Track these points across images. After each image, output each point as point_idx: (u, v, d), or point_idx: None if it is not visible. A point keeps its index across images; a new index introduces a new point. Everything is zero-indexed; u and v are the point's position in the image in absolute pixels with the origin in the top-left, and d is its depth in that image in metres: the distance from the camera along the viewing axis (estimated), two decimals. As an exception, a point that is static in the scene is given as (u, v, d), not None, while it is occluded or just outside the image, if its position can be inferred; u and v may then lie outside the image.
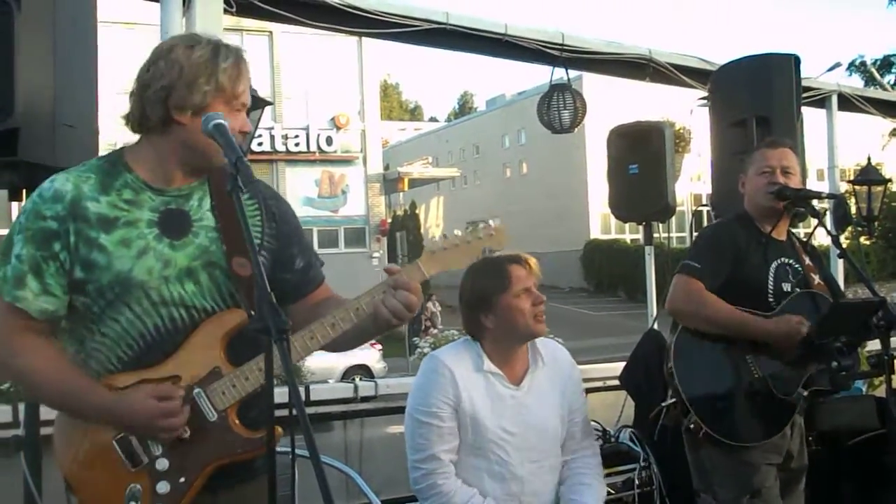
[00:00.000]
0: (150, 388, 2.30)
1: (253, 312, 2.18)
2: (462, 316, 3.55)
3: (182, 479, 2.32)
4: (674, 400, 3.80)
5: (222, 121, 2.25)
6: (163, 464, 2.32)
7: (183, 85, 2.32)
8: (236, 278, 2.40)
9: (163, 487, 2.31)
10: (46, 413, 3.60)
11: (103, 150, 3.63)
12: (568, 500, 3.47)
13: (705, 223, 4.81)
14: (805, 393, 3.75)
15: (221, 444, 2.34)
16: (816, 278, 3.92)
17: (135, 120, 2.42)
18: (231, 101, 2.38)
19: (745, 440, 3.70)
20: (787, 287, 3.82)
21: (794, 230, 4.19)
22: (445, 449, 3.34)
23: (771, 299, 3.79)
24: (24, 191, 3.58)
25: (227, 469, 2.38)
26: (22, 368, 2.35)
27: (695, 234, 4.37)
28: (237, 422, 2.36)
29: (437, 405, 3.33)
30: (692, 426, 3.72)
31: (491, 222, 2.62)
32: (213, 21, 4.51)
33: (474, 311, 3.47)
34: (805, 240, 4.09)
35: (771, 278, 3.81)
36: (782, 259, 3.87)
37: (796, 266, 3.89)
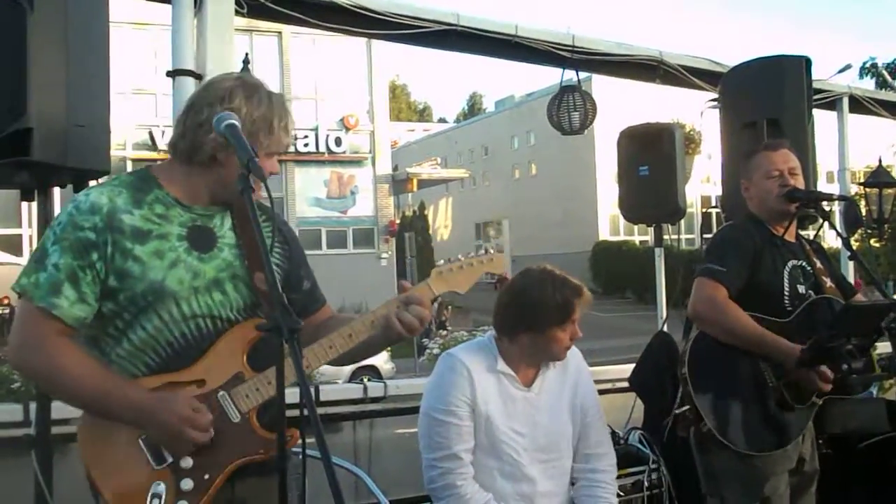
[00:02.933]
0: (186, 394, 2.39)
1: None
2: (500, 308, 3.52)
3: (206, 476, 2.40)
4: (687, 407, 3.78)
5: (235, 121, 2.34)
6: (187, 462, 2.39)
7: (244, 134, 2.36)
8: (258, 292, 2.53)
9: (186, 484, 2.38)
10: (57, 412, 3.62)
11: (112, 149, 3.65)
12: None
13: (715, 225, 4.81)
14: (820, 402, 3.73)
15: (243, 443, 2.44)
16: (828, 280, 3.91)
17: (183, 153, 2.51)
18: (273, 153, 2.53)
19: (758, 449, 3.68)
20: (802, 289, 3.81)
21: (803, 232, 4.18)
22: (465, 448, 3.34)
23: (787, 301, 3.77)
24: (35, 191, 3.59)
25: (247, 466, 2.47)
26: (57, 369, 2.39)
27: (704, 236, 4.36)
28: (258, 424, 2.47)
29: (456, 403, 3.34)
30: (704, 432, 3.71)
31: (491, 249, 2.81)
32: (225, 22, 4.52)
33: (517, 320, 3.45)
34: (812, 240, 4.08)
35: (787, 281, 3.79)
36: (795, 261, 3.86)
37: (808, 268, 3.89)
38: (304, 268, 2.81)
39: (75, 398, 2.43)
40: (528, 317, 3.42)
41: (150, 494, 2.33)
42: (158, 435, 2.38)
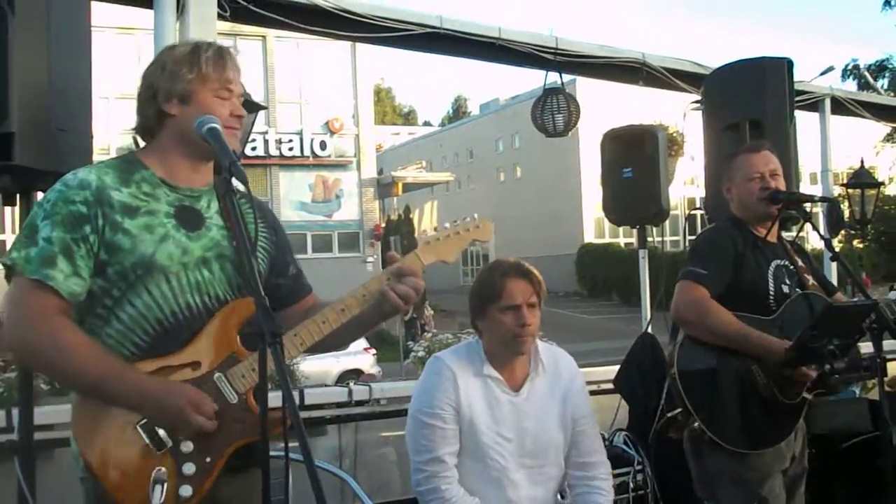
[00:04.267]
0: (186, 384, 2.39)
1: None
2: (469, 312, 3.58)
3: (208, 460, 2.40)
4: (679, 410, 3.78)
5: (216, 125, 2.39)
6: (188, 446, 2.38)
7: (167, 78, 2.50)
8: (243, 273, 2.52)
9: (188, 469, 2.38)
10: (40, 418, 3.61)
11: (96, 155, 3.64)
12: None
13: (699, 227, 4.82)
14: (809, 397, 3.75)
15: (242, 424, 2.42)
16: (810, 279, 3.93)
17: (139, 127, 2.61)
18: (218, 90, 2.52)
19: (752, 447, 3.67)
20: (786, 289, 3.82)
21: (785, 233, 4.20)
22: (449, 451, 3.34)
23: (772, 301, 3.78)
24: (17, 195, 3.58)
25: (232, 466, 2.45)
26: (61, 349, 2.36)
27: (689, 237, 4.37)
28: (255, 403, 2.45)
29: (441, 406, 3.34)
30: (696, 434, 3.71)
31: (476, 216, 2.78)
32: (208, 26, 4.51)
33: (472, 313, 3.51)
34: (793, 240, 4.10)
35: (771, 281, 3.81)
36: (777, 261, 3.87)
37: (791, 267, 3.90)
38: (289, 254, 2.82)
39: (77, 379, 2.39)
40: (473, 302, 3.48)
41: (152, 480, 2.32)
42: (162, 419, 2.36)
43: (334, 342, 2.67)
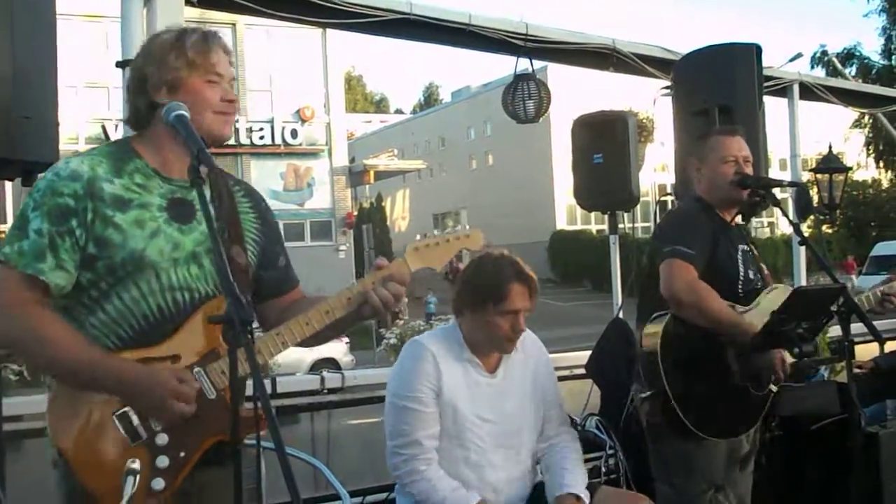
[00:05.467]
0: (170, 368, 2.38)
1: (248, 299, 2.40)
2: (455, 290, 3.57)
3: (182, 454, 2.39)
4: (652, 392, 3.77)
5: (183, 112, 2.35)
6: (163, 439, 2.37)
7: (154, 67, 2.47)
8: (234, 266, 2.45)
9: (162, 462, 2.37)
10: (9, 409, 3.57)
11: (64, 143, 3.61)
12: (553, 484, 3.45)
13: (670, 213, 4.80)
14: (775, 389, 3.77)
15: (219, 420, 2.39)
16: (763, 266, 3.95)
17: (130, 119, 2.58)
18: (206, 74, 2.49)
19: (718, 434, 3.70)
20: (751, 274, 3.84)
21: (757, 219, 4.22)
22: (427, 434, 3.34)
23: (740, 287, 3.79)
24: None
25: (206, 457, 2.44)
26: (42, 335, 2.36)
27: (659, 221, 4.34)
28: None
29: (421, 390, 3.34)
30: (657, 420, 3.71)
31: (467, 226, 2.77)
32: (175, 13, 4.47)
33: (462, 301, 3.49)
34: (742, 225, 4.09)
35: (741, 265, 3.82)
36: (742, 246, 3.88)
37: (751, 253, 3.92)
38: (279, 245, 2.80)
39: (58, 365, 2.38)
40: (468, 294, 3.47)
41: (125, 471, 2.31)
42: (142, 406, 2.35)
43: (309, 341, 2.65)
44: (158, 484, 2.35)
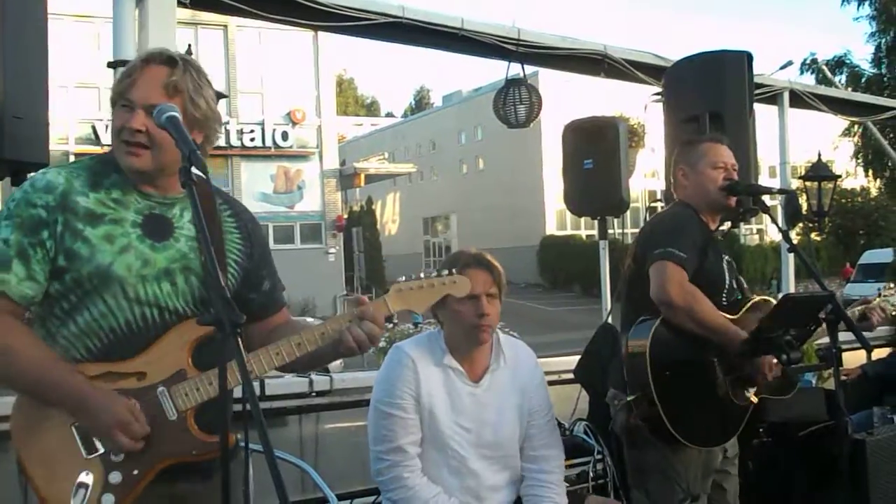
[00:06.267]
0: (130, 401, 2.33)
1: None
2: None
3: (135, 472, 2.35)
4: (636, 395, 3.72)
5: (175, 113, 2.31)
6: (118, 455, 2.34)
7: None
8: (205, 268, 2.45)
9: (115, 477, 2.33)
10: (-4, 409, 3.55)
11: (54, 143, 3.60)
12: None
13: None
14: (755, 400, 3.75)
15: (177, 443, 2.38)
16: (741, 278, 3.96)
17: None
18: (119, 98, 2.45)
19: (702, 443, 3.69)
20: (734, 283, 3.84)
21: (746, 226, 4.22)
22: (410, 441, 3.34)
23: (724, 295, 3.78)
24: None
25: (183, 466, 2.42)
26: (4, 347, 2.33)
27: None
28: (195, 425, 2.41)
29: (401, 396, 3.34)
30: (635, 423, 3.70)
31: (454, 271, 2.72)
32: (167, 14, 4.47)
33: (434, 305, 3.47)
34: (730, 231, 4.08)
35: (726, 273, 3.82)
36: (725, 255, 3.89)
37: (732, 262, 3.93)
38: (266, 268, 2.75)
39: (17, 379, 2.37)
40: None
41: (76, 483, 2.29)
42: (92, 431, 2.33)
43: (289, 370, 2.69)
44: (108, 500, 2.32)
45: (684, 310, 3.56)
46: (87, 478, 2.31)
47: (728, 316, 3.69)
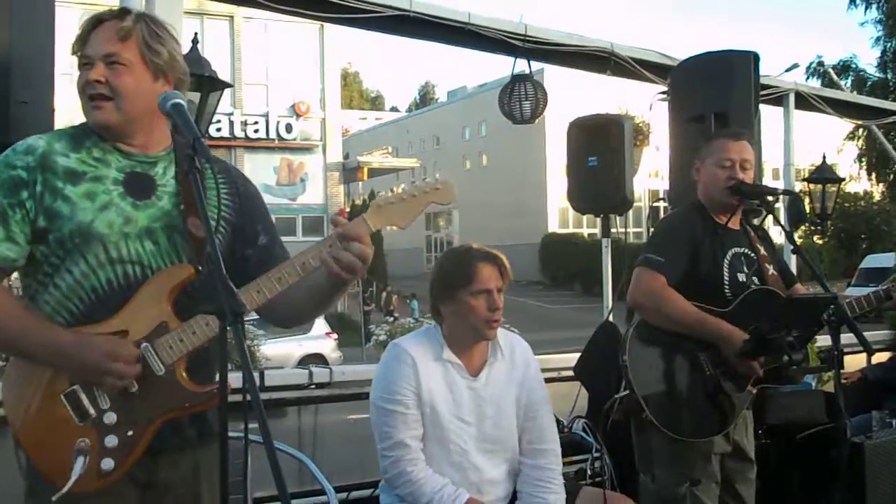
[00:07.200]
0: (107, 335, 2.32)
1: (201, 268, 2.33)
2: (429, 297, 3.56)
3: (130, 433, 2.33)
4: (626, 392, 3.80)
5: (181, 100, 2.30)
6: (111, 417, 2.33)
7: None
8: (191, 238, 2.43)
9: (111, 441, 2.32)
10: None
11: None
12: None
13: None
14: (754, 391, 3.78)
15: (169, 397, 2.35)
16: (770, 268, 3.94)
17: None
18: (81, 59, 2.47)
19: (691, 435, 3.71)
20: (742, 277, 3.82)
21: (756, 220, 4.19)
22: (411, 435, 3.33)
23: (727, 291, 3.79)
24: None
25: (175, 426, 2.41)
26: None
27: (652, 229, 4.37)
28: (185, 375, 2.37)
29: (401, 392, 3.33)
30: (643, 416, 3.74)
31: (438, 176, 2.57)
32: (173, 4, 4.47)
33: (436, 297, 3.48)
34: (759, 227, 4.08)
35: (726, 270, 3.81)
36: (736, 249, 3.88)
37: (751, 255, 3.90)
38: (262, 223, 2.68)
39: None
40: (438, 287, 3.45)
41: (74, 451, 2.28)
42: (80, 373, 2.30)
43: (289, 312, 2.62)
44: (108, 464, 2.31)
45: (653, 310, 3.74)
46: (83, 445, 2.29)
47: (716, 310, 3.72)
